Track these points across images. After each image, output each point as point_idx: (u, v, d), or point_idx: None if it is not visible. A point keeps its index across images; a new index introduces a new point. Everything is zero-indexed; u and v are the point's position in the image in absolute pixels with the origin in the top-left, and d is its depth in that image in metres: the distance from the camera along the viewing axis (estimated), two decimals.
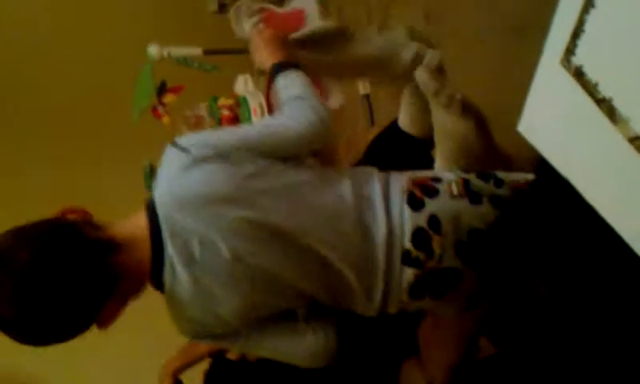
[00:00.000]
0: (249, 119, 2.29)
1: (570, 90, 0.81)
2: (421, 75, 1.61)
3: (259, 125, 1.46)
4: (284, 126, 1.37)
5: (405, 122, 1.95)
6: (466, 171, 1.45)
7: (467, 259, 1.33)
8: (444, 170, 1.59)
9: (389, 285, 1.34)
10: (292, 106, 1.39)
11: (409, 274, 1.32)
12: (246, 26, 1.68)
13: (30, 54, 3.28)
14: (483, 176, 1.41)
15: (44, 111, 3.27)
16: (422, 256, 1.31)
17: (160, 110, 2.49)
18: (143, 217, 1.27)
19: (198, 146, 1.28)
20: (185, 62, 2.46)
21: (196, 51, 2.50)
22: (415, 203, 1.34)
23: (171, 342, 2.02)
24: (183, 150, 1.27)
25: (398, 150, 1.94)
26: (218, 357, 2.10)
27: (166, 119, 2.42)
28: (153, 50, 2.47)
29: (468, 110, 1.59)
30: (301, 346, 1.39)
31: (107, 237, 1.23)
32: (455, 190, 1.36)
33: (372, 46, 1.75)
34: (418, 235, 1.31)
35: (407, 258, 1.32)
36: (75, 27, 3.39)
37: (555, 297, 1.47)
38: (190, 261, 1.24)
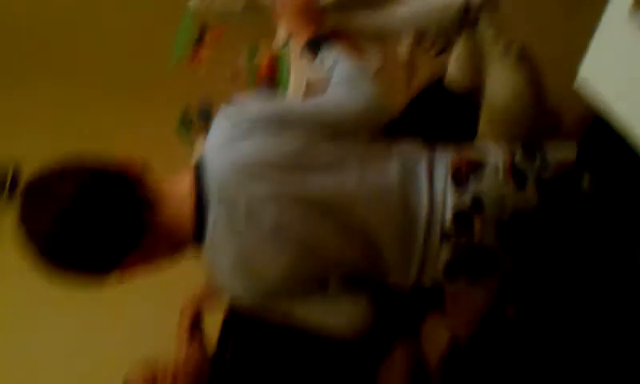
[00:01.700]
0: (285, 76, 2.31)
1: (636, 42, 0.82)
2: (479, 21, 1.59)
3: (314, 102, 1.47)
4: (339, 104, 1.41)
5: (454, 74, 1.89)
6: (512, 143, 1.46)
7: (505, 241, 1.35)
8: (488, 142, 1.58)
9: (425, 260, 1.37)
10: (345, 85, 1.43)
11: (446, 252, 1.36)
12: None
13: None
14: (529, 153, 1.42)
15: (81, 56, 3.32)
16: (461, 238, 1.35)
17: (198, 56, 2.51)
18: (190, 179, 1.32)
19: (251, 117, 1.33)
20: (224, 16, 2.47)
21: (237, 6, 2.51)
22: (460, 182, 1.36)
23: None
24: (236, 119, 1.33)
25: (440, 110, 1.96)
26: None
27: (202, 67, 2.45)
28: (194, 2, 2.49)
29: (525, 61, 1.56)
30: (338, 313, 1.44)
31: (151, 194, 1.29)
32: (501, 174, 1.38)
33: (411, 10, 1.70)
34: (460, 216, 1.34)
35: (447, 238, 1.35)
36: None
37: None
38: (233, 225, 1.29)
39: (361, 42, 1.84)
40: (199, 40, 2.55)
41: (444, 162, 1.40)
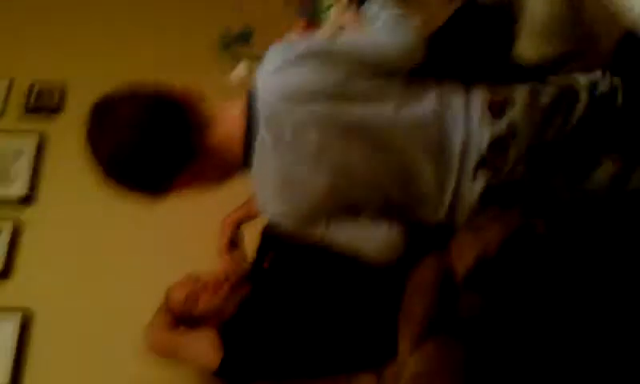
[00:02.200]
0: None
1: None
2: None
3: (357, 40, 1.55)
4: (379, 45, 1.48)
5: None
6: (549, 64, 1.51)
7: (536, 171, 1.40)
8: (524, 51, 1.60)
9: (460, 187, 1.43)
10: (395, 21, 1.51)
11: (482, 180, 1.41)
12: None
13: None
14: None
15: None
16: (497, 163, 1.40)
17: None
18: (242, 105, 1.43)
19: (300, 50, 1.41)
20: None
21: None
22: (495, 111, 1.41)
23: None
24: (287, 52, 1.42)
25: (478, 26, 1.92)
26: None
27: None
28: None
29: None
30: (376, 234, 1.51)
31: (204, 119, 1.43)
32: (528, 99, 1.42)
33: None
34: (496, 143, 1.39)
35: (482, 165, 1.40)
36: None
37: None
38: (280, 144, 1.38)
39: None
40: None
41: (479, 96, 1.45)
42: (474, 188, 1.42)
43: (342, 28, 1.85)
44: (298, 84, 1.39)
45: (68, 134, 2.89)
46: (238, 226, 2.16)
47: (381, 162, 1.42)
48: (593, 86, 1.43)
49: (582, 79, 1.47)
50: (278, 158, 1.39)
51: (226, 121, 1.44)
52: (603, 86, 1.43)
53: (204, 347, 2.04)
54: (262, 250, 2.21)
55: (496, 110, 1.41)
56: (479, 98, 1.44)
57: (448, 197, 1.44)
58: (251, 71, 2.12)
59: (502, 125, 1.39)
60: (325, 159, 1.39)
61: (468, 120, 1.41)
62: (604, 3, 1.42)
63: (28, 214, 2.69)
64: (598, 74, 1.46)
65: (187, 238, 2.64)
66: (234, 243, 2.14)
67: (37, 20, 3.21)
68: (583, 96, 1.42)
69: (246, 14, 2.61)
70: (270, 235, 2.20)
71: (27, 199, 2.71)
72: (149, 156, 1.38)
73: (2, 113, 2.96)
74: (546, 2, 1.59)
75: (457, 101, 1.44)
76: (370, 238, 1.52)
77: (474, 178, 1.41)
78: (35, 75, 3.05)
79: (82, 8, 3.32)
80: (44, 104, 2.99)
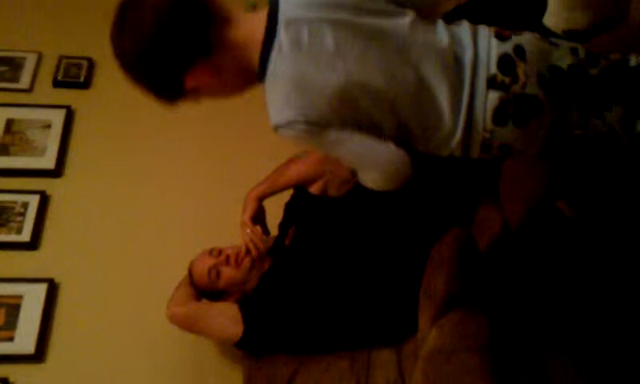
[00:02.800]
0: None
1: None
2: None
3: None
4: None
5: None
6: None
7: (549, 91, 1.42)
8: (553, 20, 1.58)
9: (472, 108, 1.44)
10: None
11: (494, 97, 1.43)
12: None
13: None
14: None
15: None
16: (507, 80, 1.42)
17: None
18: (264, 12, 1.45)
19: None
20: None
21: None
22: (502, 37, 1.46)
23: None
24: None
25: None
26: (300, 190, 2.19)
27: None
28: None
29: None
30: (385, 151, 1.49)
31: (224, 14, 1.45)
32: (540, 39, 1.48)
33: None
34: (504, 60, 1.43)
35: (493, 82, 1.43)
36: None
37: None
38: (297, 44, 1.40)
39: None
40: None
41: (486, 28, 1.50)
42: (487, 106, 1.43)
43: None
44: None
45: (96, 109, 2.97)
46: (261, 200, 2.16)
47: (396, 70, 1.43)
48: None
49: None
50: (293, 60, 1.41)
51: (247, 23, 1.47)
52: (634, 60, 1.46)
53: (225, 320, 2.06)
54: (284, 224, 2.22)
55: (502, 36, 1.46)
56: (485, 28, 1.50)
57: (462, 117, 1.45)
58: None
59: (509, 45, 1.44)
60: (340, 61, 1.41)
61: (476, 42, 1.46)
62: None
63: (55, 187, 2.71)
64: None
65: (212, 211, 2.65)
66: (256, 217, 2.15)
67: None
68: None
69: None
70: (292, 210, 2.21)
71: (55, 172, 2.73)
72: (164, 41, 1.40)
73: (31, 86, 2.98)
74: None
75: (464, 31, 1.49)
76: (380, 151, 1.50)
77: (486, 97, 1.43)
78: (64, 50, 3.08)
79: None
80: (72, 78, 3.01)
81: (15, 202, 2.61)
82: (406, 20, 1.46)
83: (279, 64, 1.41)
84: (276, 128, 1.44)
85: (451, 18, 1.55)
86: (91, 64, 3.08)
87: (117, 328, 2.40)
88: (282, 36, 1.41)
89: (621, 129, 1.45)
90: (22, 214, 2.59)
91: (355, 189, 1.98)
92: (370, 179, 1.59)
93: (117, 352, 2.35)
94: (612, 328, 1.39)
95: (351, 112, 1.44)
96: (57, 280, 2.47)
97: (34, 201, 2.62)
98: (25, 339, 2.29)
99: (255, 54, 1.44)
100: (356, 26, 1.42)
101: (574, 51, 1.48)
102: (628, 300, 1.40)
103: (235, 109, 2.30)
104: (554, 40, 1.50)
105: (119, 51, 1.45)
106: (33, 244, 2.53)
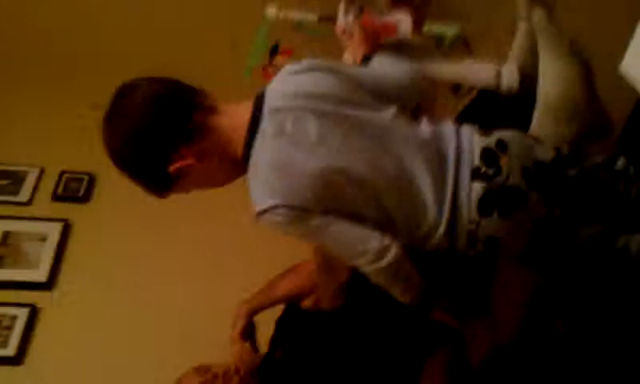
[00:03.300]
0: None
1: None
2: (536, 15, 1.63)
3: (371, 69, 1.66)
4: (385, 72, 1.62)
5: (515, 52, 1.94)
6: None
7: (532, 183, 1.43)
8: (539, 133, 1.59)
9: (457, 199, 1.44)
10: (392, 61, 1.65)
11: (478, 187, 1.43)
12: (348, 19, 1.88)
13: None
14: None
15: None
16: (490, 172, 1.43)
17: (270, 70, 2.58)
18: (250, 102, 1.50)
19: (312, 62, 1.54)
20: (299, 26, 2.55)
21: (312, 17, 2.58)
22: (484, 132, 1.49)
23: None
24: (299, 64, 1.54)
25: (496, 112, 1.93)
26: (292, 305, 2.13)
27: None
28: (271, 11, 2.58)
29: (577, 54, 1.60)
30: (369, 241, 1.45)
31: (210, 103, 1.50)
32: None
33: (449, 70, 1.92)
34: (487, 153, 1.45)
35: (476, 174, 1.44)
36: None
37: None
38: (280, 132, 1.43)
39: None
40: (273, 52, 2.60)
41: (469, 126, 1.54)
42: (472, 196, 1.43)
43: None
44: (307, 85, 1.49)
45: (93, 223, 2.96)
46: (251, 315, 2.10)
47: (378, 160, 1.44)
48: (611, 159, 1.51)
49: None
50: (276, 147, 1.43)
51: (233, 112, 1.50)
52: (620, 163, 1.51)
53: None
54: (275, 341, 2.14)
55: (484, 131, 1.50)
56: (468, 126, 1.53)
57: (446, 209, 1.44)
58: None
59: (492, 139, 1.47)
60: (323, 148, 1.42)
61: (459, 137, 1.49)
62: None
63: (46, 300, 2.66)
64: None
65: (205, 325, 2.58)
66: (246, 333, 2.08)
67: (69, 111, 3.29)
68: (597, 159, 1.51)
69: None
70: (284, 325, 2.14)
71: (47, 285, 2.69)
72: (147, 125, 1.43)
73: (30, 199, 3.01)
74: (560, 83, 1.58)
75: (447, 126, 1.53)
76: (363, 240, 1.46)
77: (470, 188, 1.44)
78: (66, 165, 3.12)
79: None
80: (72, 193, 3.03)
81: (4, 315, 2.56)
82: (388, 112, 1.49)
83: (261, 151, 1.43)
84: (259, 215, 1.42)
85: None
86: (91, 179, 3.10)
87: None
88: (266, 124, 1.43)
89: (606, 240, 1.46)
90: (9, 328, 2.54)
91: (347, 303, 1.93)
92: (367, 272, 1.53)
93: None
94: None
95: (334, 199, 1.42)
96: None
97: (23, 314, 2.58)
98: None
99: (240, 140, 1.46)
100: (339, 116, 1.45)
101: (557, 148, 1.50)
102: None
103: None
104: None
105: (106, 137, 1.47)
106: (17, 359, 2.46)
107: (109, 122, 1.47)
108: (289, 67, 1.55)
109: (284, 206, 1.39)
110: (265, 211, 1.41)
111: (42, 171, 3.12)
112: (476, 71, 2.00)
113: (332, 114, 1.45)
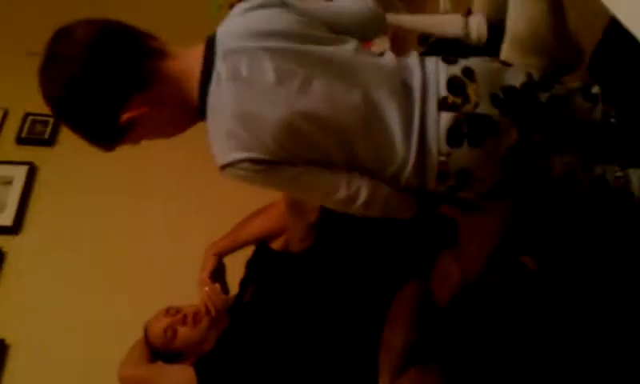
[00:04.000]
0: None
1: None
2: None
3: (328, 3, 1.54)
4: (343, 5, 1.51)
5: (479, 5, 1.98)
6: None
7: (503, 109, 1.38)
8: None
9: (425, 130, 1.37)
10: None
11: (447, 117, 1.36)
12: None
13: None
14: None
15: None
16: (458, 101, 1.37)
17: None
18: (202, 45, 1.38)
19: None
20: None
21: None
22: (449, 60, 1.42)
23: None
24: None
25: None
26: (261, 246, 2.12)
27: None
28: None
29: None
30: (338, 188, 1.40)
31: (158, 46, 1.37)
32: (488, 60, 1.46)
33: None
34: (453, 82, 1.38)
35: (444, 104, 1.37)
36: None
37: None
38: (236, 76, 1.32)
39: None
40: None
41: (434, 57, 1.46)
42: (441, 126, 1.37)
43: None
44: (260, 23, 1.38)
45: (60, 166, 2.90)
46: (220, 256, 2.08)
47: (343, 96, 1.36)
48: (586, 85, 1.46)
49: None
50: (232, 94, 1.33)
51: (184, 56, 1.39)
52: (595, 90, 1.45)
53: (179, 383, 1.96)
54: (245, 282, 2.13)
55: (449, 59, 1.43)
56: (433, 57, 1.45)
57: (414, 141, 1.37)
58: None
59: (457, 68, 1.41)
60: (283, 92, 1.33)
61: (424, 67, 1.41)
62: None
63: (12, 244, 2.63)
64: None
65: (173, 268, 2.56)
66: (215, 275, 2.06)
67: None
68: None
69: None
70: (254, 266, 2.13)
71: (12, 229, 2.65)
72: (94, 77, 1.30)
73: None
74: (529, 18, 1.57)
75: (411, 56, 1.45)
76: (335, 184, 1.40)
77: (438, 118, 1.37)
78: (30, 107, 3.03)
79: None
80: (37, 135, 2.96)
81: None
82: (350, 46, 1.41)
83: (218, 98, 1.34)
84: (222, 168, 1.35)
85: None
86: (57, 121, 3.03)
87: None
88: (220, 67, 1.34)
89: (581, 170, 1.41)
90: None
91: (317, 243, 1.92)
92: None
93: None
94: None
95: (300, 147, 1.36)
96: (7, 341, 2.36)
97: None
98: None
99: (194, 86, 1.36)
100: (298, 54, 1.36)
101: (527, 72, 1.45)
102: (593, 354, 1.34)
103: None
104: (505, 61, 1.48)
105: (47, 91, 1.34)
106: None
107: (47, 73, 1.33)
108: (241, 5, 1.42)
109: (248, 160, 1.32)
110: (228, 165, 1.34)
111: (6, 113, 3.03)
112: (443, 23, 1.99)
113: (289, 51, 1.35)
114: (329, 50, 1.39)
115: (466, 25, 1.92)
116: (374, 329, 1.66)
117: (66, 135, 2.97)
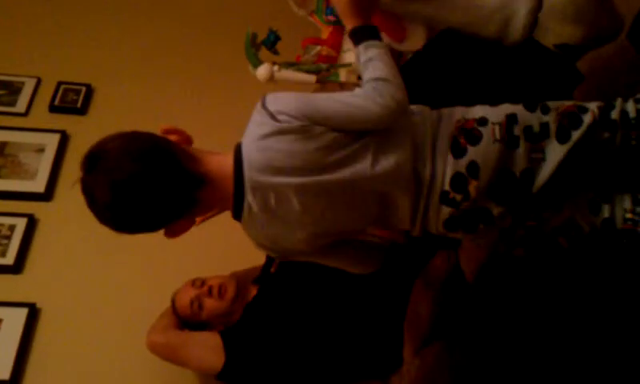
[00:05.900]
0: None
1: None
2: None
3: (346, 102, 1.50)
4: (367, 109, 1.47)
5: None
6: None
7: (499, 201, 1.45)
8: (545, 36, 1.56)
9: (427, 216, 1.52)
10: (375, 87, 1.48)
11: (445, 212, 1.49)
12: None
13: None
14: (530, 106, 1.50)
15: None
16: (458, 197, 1.45)
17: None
18: (231, 161, 1.48)
19: (285, 116, 1.44)
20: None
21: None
22: (458, 151, 1.46)
23: None
24: (272, 116, 1.45)
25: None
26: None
27: None
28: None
29: None
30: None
31: (199, 171, 1.46)
32: (498, 134, 1.46)
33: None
34: (457, 179, 1.45)
35: (445, 198, 1.47)
36: None
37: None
38: (265, 208, 1.47)
39: (406, 23, 1.91)
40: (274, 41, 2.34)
41: (446, 131, 1.50)
42: (440, 217, 1.50)
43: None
44: (278, 159, 1.44)
45: (91, 134, 2.92)
46: None
47: (361, 203, 1.50)
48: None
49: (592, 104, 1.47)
50: (266, 221, 1.48)
51: (220, 178, 1.48)
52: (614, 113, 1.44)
53: (206, 350, 2.00)
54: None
55: (459, 147, 1.46)
56: (445, 134, 1.49)
57: (418, 223, 1.54)
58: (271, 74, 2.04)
59: (463, 162, 1.45)
60: (308, 217, 1.48)
61: (434, 159, 1.47)
62: None
63: (44, 211, 2.67)
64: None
65: (200, 240, 2.57)
66: None
67: (69, 21, 3.27)
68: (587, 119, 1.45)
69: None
70: None
71: (45, 196, 2.69)
72: (149, 206, 1.42)
73: (27, 110, 2.98)
74: None
75: (425, 142, 1.49)
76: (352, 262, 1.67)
77: (438, 210, 1.49)
78: (63, 76, 3.08)
79: (115, 11, 3.40)
80: (69, 104, 2.99)
81: (2, 225, 2.57)
82: (365, 164, 1.46)
83: (251, 223, 1.50)
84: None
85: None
86: (89, 90, 3.07)
87: (96, 360, 2.33)
88: (250, 200, 1.46)
89: (583, 216, 1.46)
90: (8, 237, 2.54)
91: None
92: None
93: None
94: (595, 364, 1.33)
95: (325, 238, 1.57)
96: (38, 305, 2.41)
97: (21, 224, 2.58)
98: (0, 364, 2.22)
99: (229, 206, 1.51)
100: (317, 186, 1.45)
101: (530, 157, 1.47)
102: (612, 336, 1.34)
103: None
104: (514, 128, 1.47)
105: (94, 204, 1.47)
106: (16, 267, 2.48)
107: (91, 192, 1.46)
108: (257, 130, 1.47)
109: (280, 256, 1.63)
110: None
111: (39, 81, 3.07)
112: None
113: (309, 185, 1.44)
114: (347, 172, 1.45)
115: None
116: (400, 304, 1.67)
117: (98, 104, 3.05)
